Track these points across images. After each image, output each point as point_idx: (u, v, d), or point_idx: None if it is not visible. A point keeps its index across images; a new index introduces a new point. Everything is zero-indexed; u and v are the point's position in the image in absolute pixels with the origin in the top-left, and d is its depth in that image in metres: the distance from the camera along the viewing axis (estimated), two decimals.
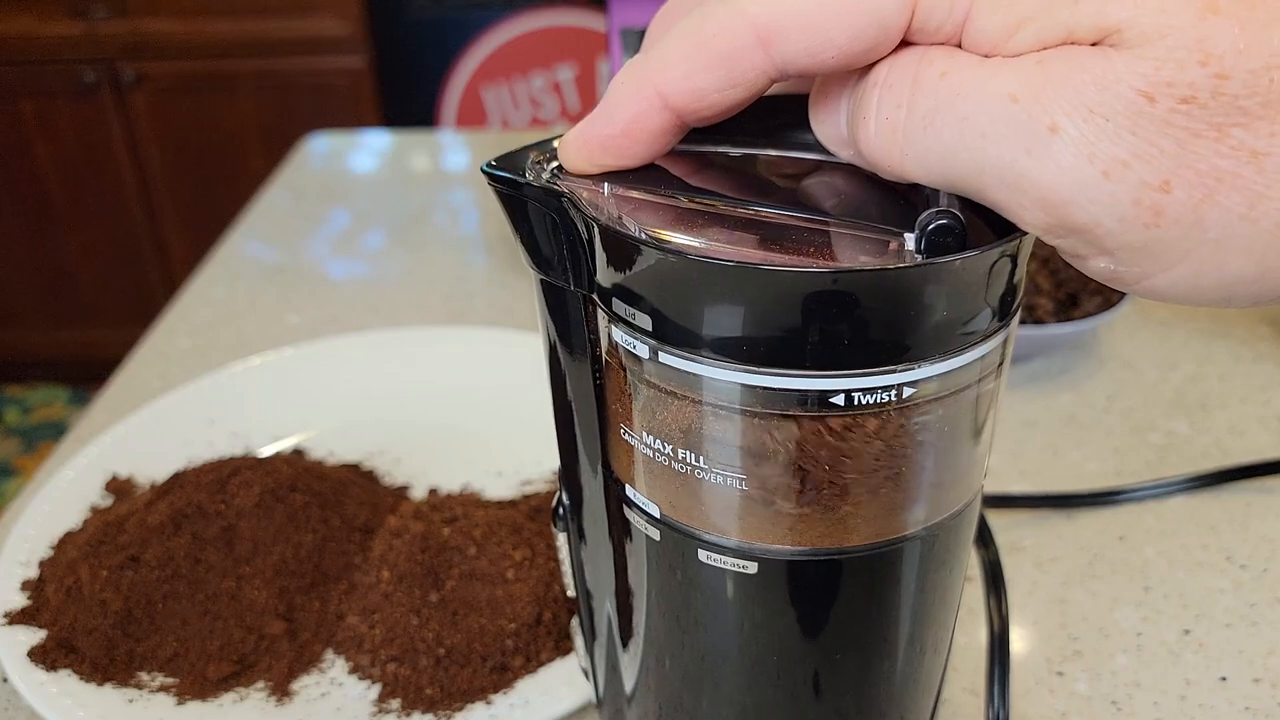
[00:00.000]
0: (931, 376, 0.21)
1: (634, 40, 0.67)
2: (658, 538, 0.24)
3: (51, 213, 2.05)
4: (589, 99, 1.95)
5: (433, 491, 0.57)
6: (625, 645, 0.27)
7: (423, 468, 0.60)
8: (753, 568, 0.23)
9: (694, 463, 0.22)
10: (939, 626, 0.26)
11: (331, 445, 0.61)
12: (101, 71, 1.93)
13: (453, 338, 0.68)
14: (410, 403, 0.64)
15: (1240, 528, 0.55)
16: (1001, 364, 0.23)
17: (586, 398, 0.25)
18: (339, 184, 1.01)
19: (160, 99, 1.96)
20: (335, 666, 0.47)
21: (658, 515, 0.24)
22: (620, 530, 0.25)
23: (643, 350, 0.22)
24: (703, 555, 0.23)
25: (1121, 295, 0.67)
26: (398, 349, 0.68)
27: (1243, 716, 0.45)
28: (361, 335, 0.69)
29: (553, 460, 0.59)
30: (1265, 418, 0.63)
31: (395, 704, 0.45)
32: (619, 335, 0.22)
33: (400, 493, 0.57)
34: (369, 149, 1.09)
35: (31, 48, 1.92)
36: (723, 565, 0.23)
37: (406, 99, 1.95)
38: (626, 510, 0.24)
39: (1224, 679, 0.46)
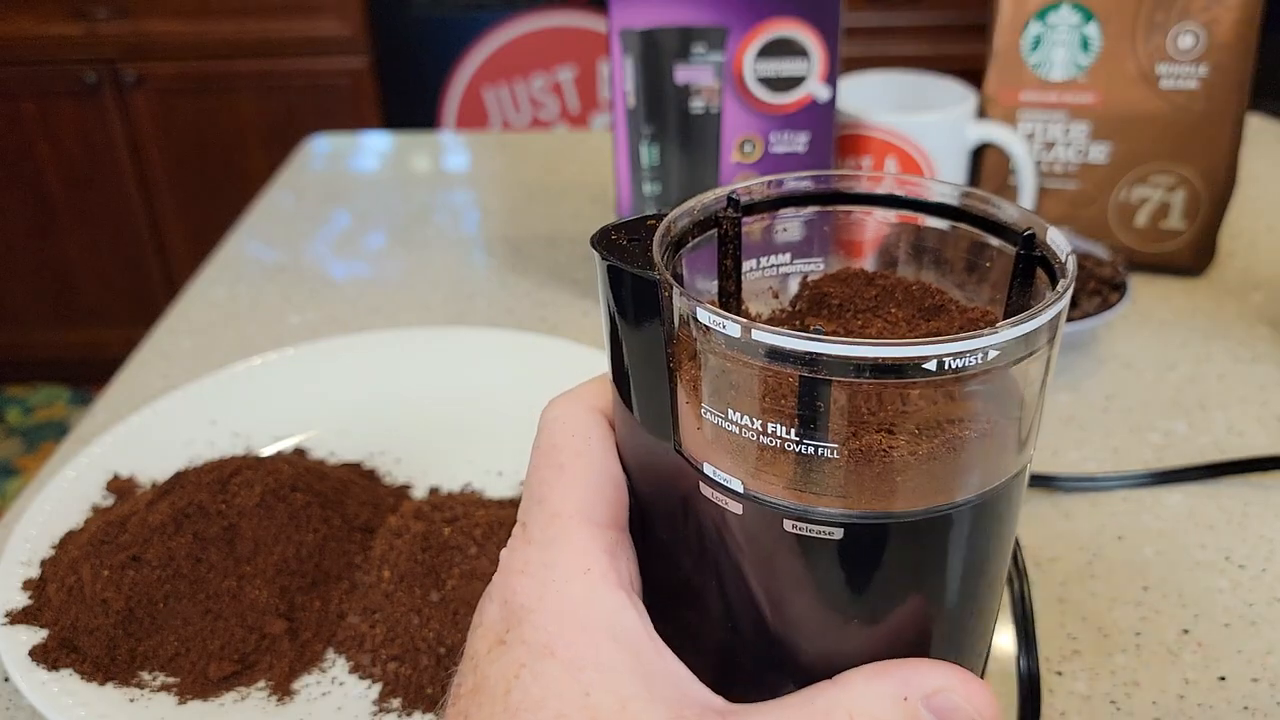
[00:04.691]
0: (1016, 338, 0.22)
1: (634, 41, 0.67)
2: (740, 512, 0.25)
3: (53, 213, 2.06)
4: (589, 99, 1.96)
5: (434, 491, 0.58)
6: (697, 621, 0.28)
7: (423, 467, 0.60)
8: (838, 534, 0.24)
9: (784, 435, 0.23)
10: (1000, 576, 0.27)
11: (333, 445, 0.62)
12: (103, 72, 1.93)
13: (453, 338, 0.68)
14: (411, 403, 0.65)
15: (1239, 527, 0.55)
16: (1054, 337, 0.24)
17: (658, 380, 0.25)
18: (340, 185, 1.01)
19: (161, 100, 1.96)
20: (336, 666, 0.47)
21: (741, 490, 0.24)
22: (696, 510, 0.26)
23: (733, 330, 0.22)
24: (788, 525, 0.24)
25: (1120, 295, 0.67)
26: (399, 349, 0.68)
27: (1241, 716, 0.45)
28: (362, 335, 0.69)
29: None
30: (1264, 418, 0.63)
31: (396, 703, 0.45)
32: (706, 316, 0.23)
33: (401, 492, 0.58)
34: (370, 150, 1.09)
35: (33, 48, 1.92)
36: (808, 533, 0.24)
37: (408, 100, 1.96)
38: (704, 488, 0.25)
39: (1223, 678, 0.46)
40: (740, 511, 0.25)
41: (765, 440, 0.23)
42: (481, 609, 0.27)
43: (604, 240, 0.26)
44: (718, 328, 0.23)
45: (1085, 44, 0.74)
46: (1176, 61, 0.72)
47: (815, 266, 0.29)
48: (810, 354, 0.21)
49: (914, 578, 0.25)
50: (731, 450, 0.24)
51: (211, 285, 0.83)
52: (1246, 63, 0.72)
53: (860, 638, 0.25)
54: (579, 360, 0.65)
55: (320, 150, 1.07)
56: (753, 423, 0.23)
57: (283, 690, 0.46)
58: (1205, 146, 0.74)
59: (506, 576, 0.26)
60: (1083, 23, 0.73)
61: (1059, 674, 0.47)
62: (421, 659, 0.46)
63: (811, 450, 0.23)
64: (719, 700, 0.26)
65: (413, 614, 0.47)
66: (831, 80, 0.68)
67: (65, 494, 0.55)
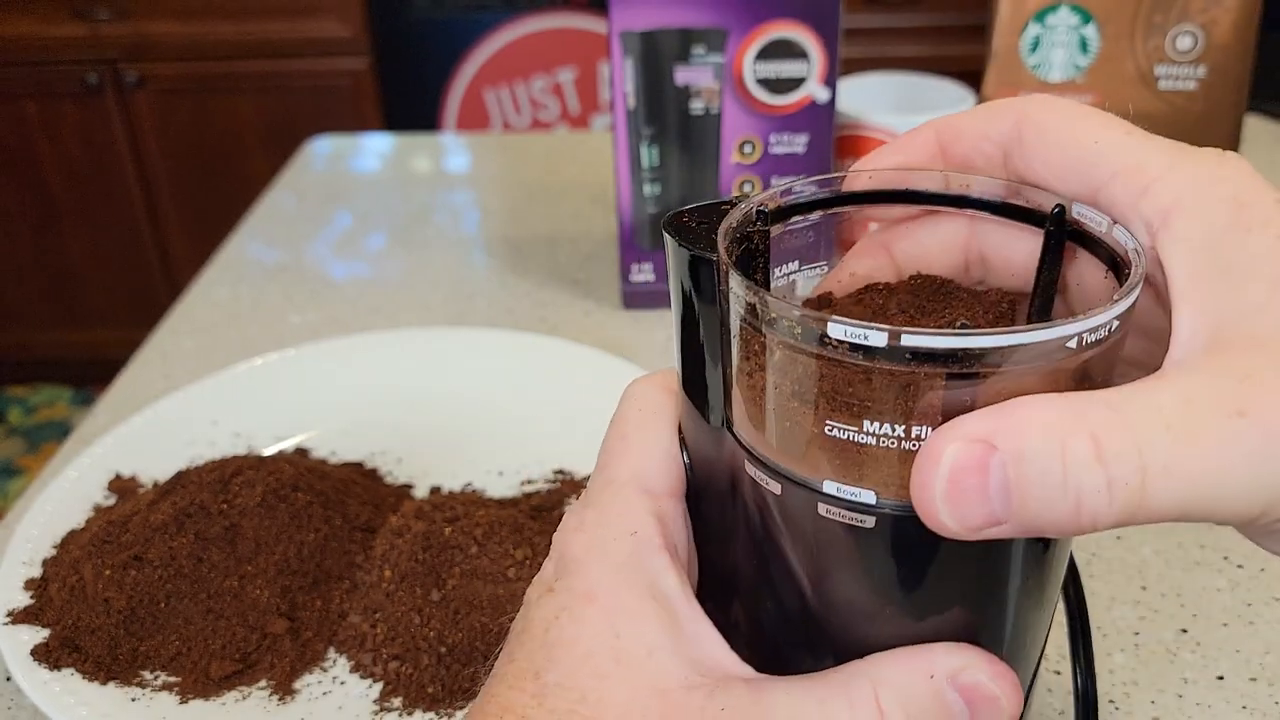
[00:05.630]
0: (1093, 328, 0.22)
1: (634, 43, 0.67)
2: (778, 492, 0.25)
3: (55, 214, 2.06)
4: (589, 101, 1.96)
5: (434, 490, 0.58)
6: (740, 599, 0.28)
7: (424, 467, 0.60)
8: (870, 521, 0.24)
9: (837, 424, 0.23)
10: (1050, 585, 0.27)
11: (334, 445, 0.62)
12: (104, 73, 1.93)
13: (453, 338, 0.69)
14: (412, 403, 0.65)
15: None
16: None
17: (714, 360, 0.26)
18: (341, 186, 1.01)
19: (163, 100, 1.96)
20: (337, 665, 0.47)
21: (780, 471, 0.25)
22: (742, 489, 0.27)
23: (789, 316, 0.23)
24: (822, 509, 0.24)
25: None
26: (399, 349, 0.68)
27: (1240, 715, 0.45)
28: (363, 336, 0.69)
29: (552, 460, 0.60)
30: None
31: (397, 702, 0.45)
32: (769, 305, 0.23)
33: (402, 492, 0.58)
34: (371, 151, 1.09)
35: (35, 49, 1.92)
36: (841, 519, 0.24)
37: (409, 101, 1.96)
38: (749, 467, 0.26)
39: (1221, 678, 0.46)
40: (779, 492, 0.25)
41: (816, 429, 0.23)
42: (543, 567, 0.29)
43: (674, 223, 0.27)
44: (781, 315, 0.23)
45: (1084, 45, 0.74)
46: (1175, 62, 0.73)
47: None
48: (884, 346, 0.21)
49: (942, 571, 0.25)
50: (781, 433, 0.24)
51: (213, 286, 0.83)
52: (1245, 64, 0.72)
53: (893, 626, 0.26)
54: (579, 360, 0.65)
55: (321, 151, 1.08)
56: (807, 409, 0.23)
57: (284, 689, 0.46)
58: (1204, 147, 0.74)
59: (563, 534, 0.28)
60: (1081, 24, 0.74)
61: (1057, 673, 0.47)
62: (422, 658, 0.46)
63: (870, 441, 0.23)
64: (746, 669, 0.27)
65: (414, 613, 0.47)
66: (831, 82, 0.68)
67: (67, 494, 0.55)
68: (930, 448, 0.21)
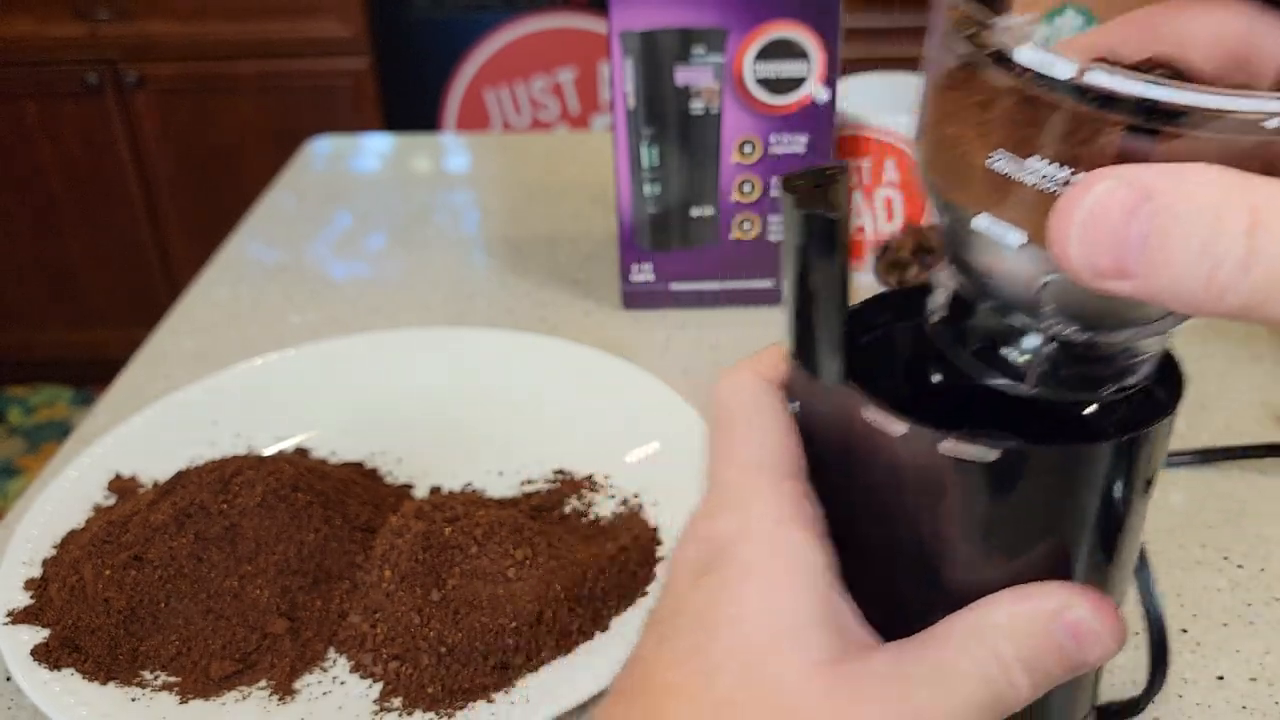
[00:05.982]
0: None
1: (634, 43, 0.67)
2: (903, 432, 0.26)
3: (55, 213, 2.06)
4: (589, 101, 1.96)
5: (435, 490, 0.58)
6: (862, 565, 0.29)
7: (425, 467, 0.60)
8: (994, 455, 0.25)
9: (1016, 159, 0.23)
10: (1140, 515, 0.28)
11: (334, 445, 0.62)
12: (105, 73, 1.93)
13: (453, 338, 0.69)
14: (412, 403, 0.65)
15: (1237, 527, 0.55)
16: None
17: (829, 318, 0.27)
18: (341, 186, 1.01)
19: (163, 100, 1.96)
20: (337, 665, 0.47)
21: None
22: (861, 442, 0.27)
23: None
24: (944, 447, 0.25)
25: None
26: (399, 349, 0.68)
27: (1239, 715, 0.45)
28: (363, 336, 0.69)
29: (552, 460, 0.60)
30: (1262, 418, 0.63)
31: (397, 702, 0.45)
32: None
33: (402, 492, 0.58)
34: (371, 151, 1.09)
35: (35, 49, 1.92)
36: (962, 455, 0.25)
37: (409, 101, 1.96)
38: (866, 413, 0.26)
39: (1221, 678, 0.46)
40: (904, 432, 0.26)
41: (982, 160, 0.23)
42: (677, 555, 0.29)
43: (789, 184, 0.27)
44: (972, 30, 0.23)
45: None
46: None
47: None
48: (1068, 79, 0.21)
49: (1055, 508, 0.26)
50: (950, 162, 0.25)
51: (213, 286, 0.83)
52: None
53: (1004, 568, 0.27)
54: (579, 360, 0.65)
55: (321, 151, 1.08)
56: (979, 139, 0.23)
57: (284, 689, 0.46)
58: None
59: (700, 521, 0.29)
60: (1085, 26, 0.74)
61: None
62: (422, 658, 0.46)
63: (1032, 180, 0.22)
64: (876, 636, 0.28)
65: (414, 613, 0.47)
66: (831, 82, 0.68)
67: (67, 494, 0.55)
68: (1085, 179, 0.20)
